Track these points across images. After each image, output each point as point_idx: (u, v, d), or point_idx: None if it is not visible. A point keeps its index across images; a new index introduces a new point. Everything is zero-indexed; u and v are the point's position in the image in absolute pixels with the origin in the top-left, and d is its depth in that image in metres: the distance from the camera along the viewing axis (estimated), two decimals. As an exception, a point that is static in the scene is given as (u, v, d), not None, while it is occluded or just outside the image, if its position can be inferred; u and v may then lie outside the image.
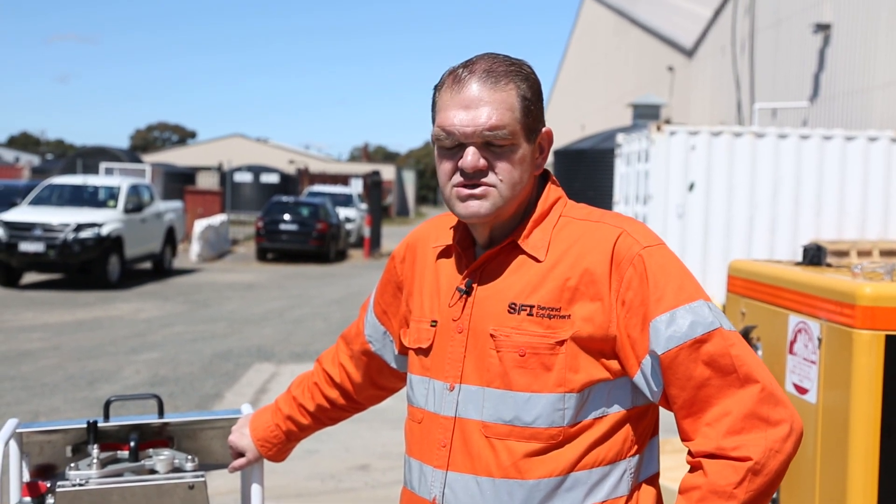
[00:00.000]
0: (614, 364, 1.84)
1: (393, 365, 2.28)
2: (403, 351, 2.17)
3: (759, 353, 3.63)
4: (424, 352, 2.00)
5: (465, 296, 1.93)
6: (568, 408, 1.83)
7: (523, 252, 1.91)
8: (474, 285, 1.93)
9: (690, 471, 1.81)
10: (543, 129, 1.93)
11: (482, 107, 1.83)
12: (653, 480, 1.95)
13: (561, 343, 1.82)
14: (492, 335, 1.87)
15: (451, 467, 1.89)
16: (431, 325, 1.99)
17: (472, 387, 1.89)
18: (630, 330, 1.81)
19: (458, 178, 1.86)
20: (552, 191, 1.98)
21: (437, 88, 1.92)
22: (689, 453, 1.81)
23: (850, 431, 2.99)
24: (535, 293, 1.86)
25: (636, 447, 1.89)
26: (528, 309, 1.85)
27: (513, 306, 1.87)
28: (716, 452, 1.76)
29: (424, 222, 2.19)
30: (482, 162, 1.84)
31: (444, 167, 1.89)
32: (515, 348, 1.84)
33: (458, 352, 1.92)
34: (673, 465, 3.91)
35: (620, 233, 1.87)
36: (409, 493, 2.01)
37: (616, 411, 1.86)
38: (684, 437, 1.83)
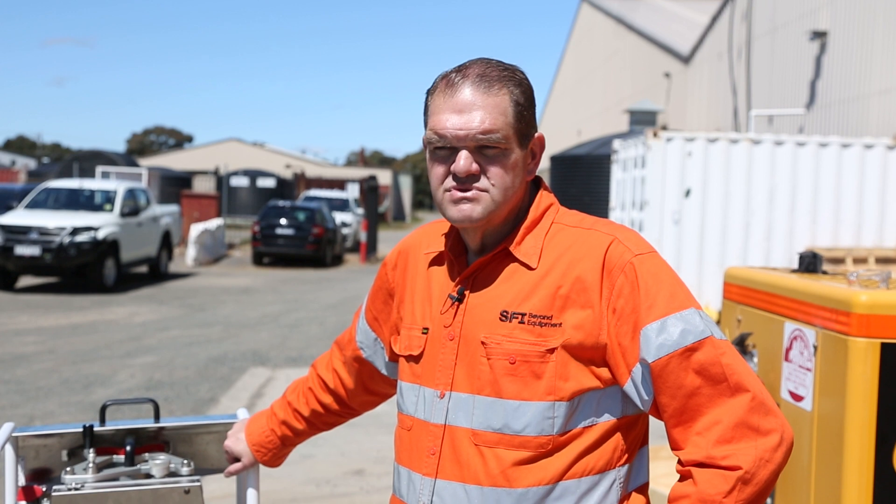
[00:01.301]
0: (605, 372, 1.84)
1: (383, 371, 2.29)
2: (394, 358, 2.17)
3: (755, 360, 3.64)
4: (415, 359, 1.99)
5: (457, 303, 1.93)
6: (557, 416, 1.82)
7: (515, 259, 1.91)
8: (466, 292, 1.93)
9: (680, 480, 1.81)
10: (536, 135, 1.93)
11: (475, 111, 1.83)
12: (642, 490, 1.94)
13: (551, 351, 1.82)
14: (483, 343, 1.87)
15: (440, 475, 1.89)
16: (423, 333, 1.98)
17: (463, 394, 1.89)
18: (621, 338, 1.81)
19: (450, 181, 1.86)
20: (544, 197, 1.98)
21: (429, 93, 1.92)
22: (679, 462, 1.81)
23: (845, 439, 2.99)
24: (528, 301, 1.86)
25: (626, 457, 1.89)
26: (520, 317, 1.85)
27: (504, 314, 1.87)
28: (705, 461, 1.76)
29: (416, 229, 2.19)
30: (475, 166, 1.84)
31: (437, 171, 1.89)
32: (506, 356, 1.84)
33: (448, 359, 1.92)
34: (667, 471, 3.92)
35: (612, 240, 1.87)
36: (398, 500, 2.01)
37: (606, 420, 1.86)
38: (674, 446, 1.83)
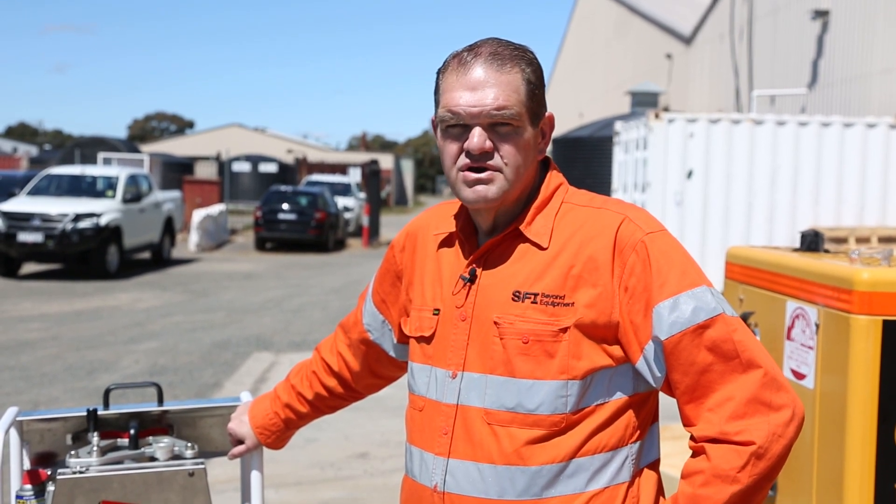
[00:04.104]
0: (617, 350, 1.85)
1: (392, 353, 2.29)
2: (403, 339, 2.18)
3: (758, 339, 3.64)
4: (427, 340, 1.99)
5: (468, 284, 1.93)
6: (570, 395, 1.83)
7: (527, 239, 1.91)
8: (478, 273, 1.93)
9: (693, 455, 1.81)
10: (546, 114, 1.94)
11: (488, 88, 1.83)
12: (654, 466, 1.95)
13: (564, 330, 1.83)
14: (495, 323, 1.87)
15: (453, 454, 1.89)
16: (434, 314, 1.98)
17: (475, 374, 1.89)
18: (633, 316, 1.82)
19: (463, 160, 1.86)
20: (553, 177, 1.98)
21: (440, 72, 1.92)
22: (692, 438, 1.82)
23: (847, 416, 2.99)
24: (540, 281, 1.86)
25: (638, 433, 1.90)
26: (533, 297, 1.85)
27: (517, 294, 1.87)
28: (719, 437, 1.77)
29: (425, 211, 2.18)
30: (488, 143, 1.84)
31: (450, 149, 1.89)
32: (519, 335, 1.85)
33: (461, 340, 1.92)
34: (672, 451, 3.93)
35: (623, 219, 1.87)
36: (411, 480, 2.01)
37: (618, 398, 1.87)
38: (687, 423, 1.84)
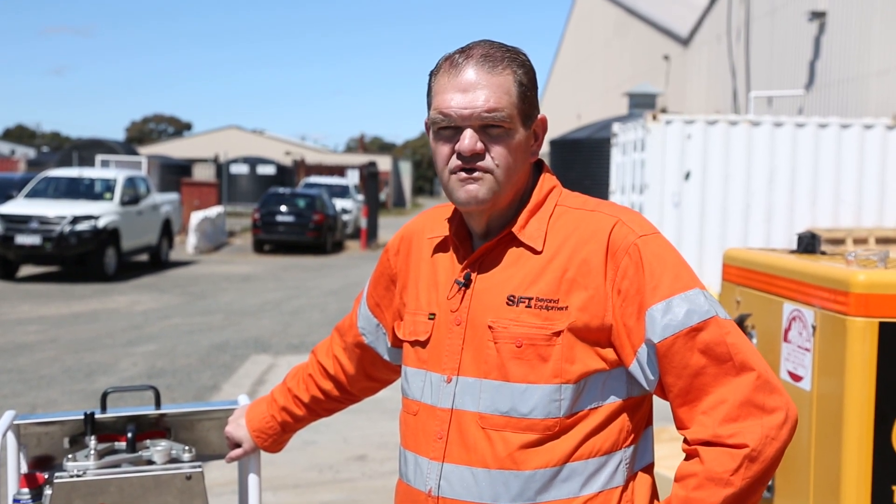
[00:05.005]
0: (610, 354, 1.85)
1: (386, 357, 2.29)
2: (397, 343, 2.18)
3: (754, 341, 3.64)
4: (421, 344, 1.99)
5: (463, 288, 1.93)
6: (564, 399, 1.83)
7: (521, 243, 1.91)
8: (473, 276, 1.93)
9: (686, 458, 1.81)
10: (538, 116, 1.94)
11: (479, 90, 1.83)
12: (648, 470, 1.95)
13: (557, 334, 1.83)
14: (490, 327, 1.87)
15: (448, 459, 1.89)
16: (429, 318, 1.98)
17: (470, 378, 1.89)
18: (626, 319, 1.82)
19: (455, 161, 1.86)
20: (547, 179, 1.98)
21: (432, 74, 1.92)
22: (686, 441, 1.82)
23: (844, 418, 2.99)
24: (534, 285, 1.86)
25: (632, 437, 1.90)
26: (527, 301, 1.85)
27: (511, 298, 1.87)
28: (712, 440, 1.77)
29: (419, 214, 2.18)
30: (479, 145, 1.84)
31: (441, 151, 1.89)
32: (513, 339, 1.85)
33: (455, 344, 1.92)
34: (668, 453, 3.93)
35: (616, 222, 1.87)
36: (405, 485, 2.01)
37: (612, 402, 1.87)
38: (680, 426, 1.84)
